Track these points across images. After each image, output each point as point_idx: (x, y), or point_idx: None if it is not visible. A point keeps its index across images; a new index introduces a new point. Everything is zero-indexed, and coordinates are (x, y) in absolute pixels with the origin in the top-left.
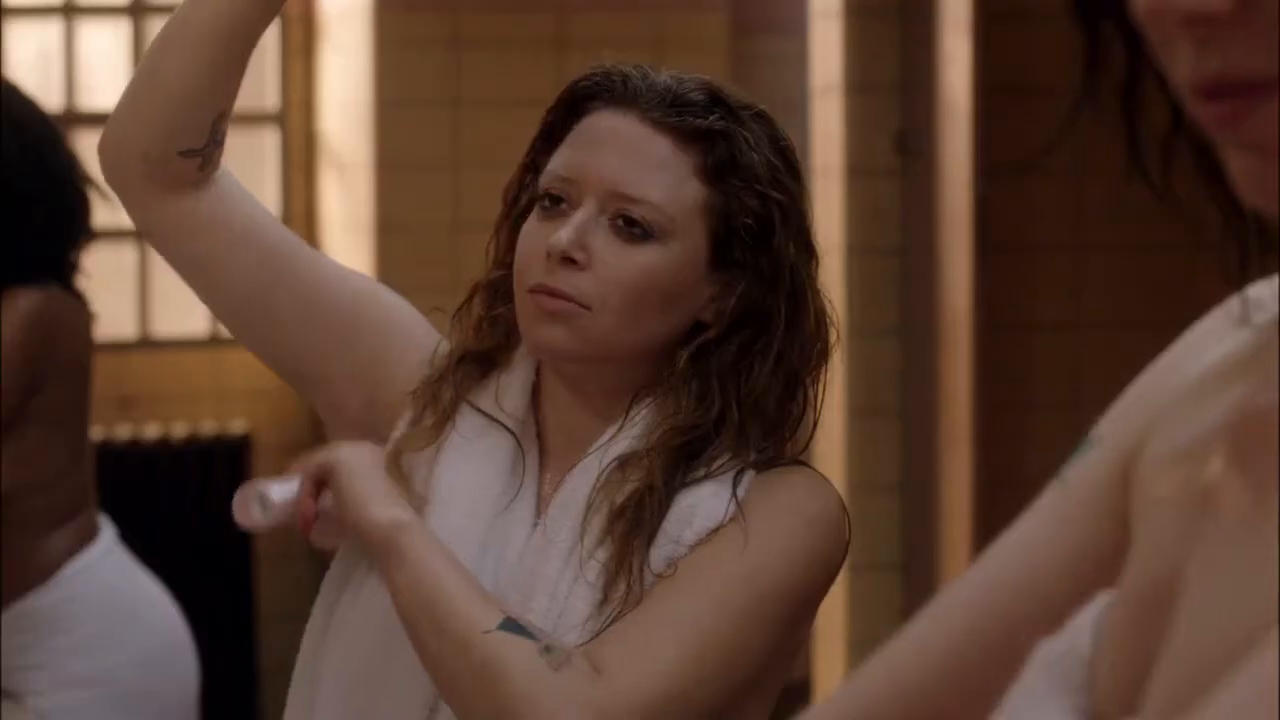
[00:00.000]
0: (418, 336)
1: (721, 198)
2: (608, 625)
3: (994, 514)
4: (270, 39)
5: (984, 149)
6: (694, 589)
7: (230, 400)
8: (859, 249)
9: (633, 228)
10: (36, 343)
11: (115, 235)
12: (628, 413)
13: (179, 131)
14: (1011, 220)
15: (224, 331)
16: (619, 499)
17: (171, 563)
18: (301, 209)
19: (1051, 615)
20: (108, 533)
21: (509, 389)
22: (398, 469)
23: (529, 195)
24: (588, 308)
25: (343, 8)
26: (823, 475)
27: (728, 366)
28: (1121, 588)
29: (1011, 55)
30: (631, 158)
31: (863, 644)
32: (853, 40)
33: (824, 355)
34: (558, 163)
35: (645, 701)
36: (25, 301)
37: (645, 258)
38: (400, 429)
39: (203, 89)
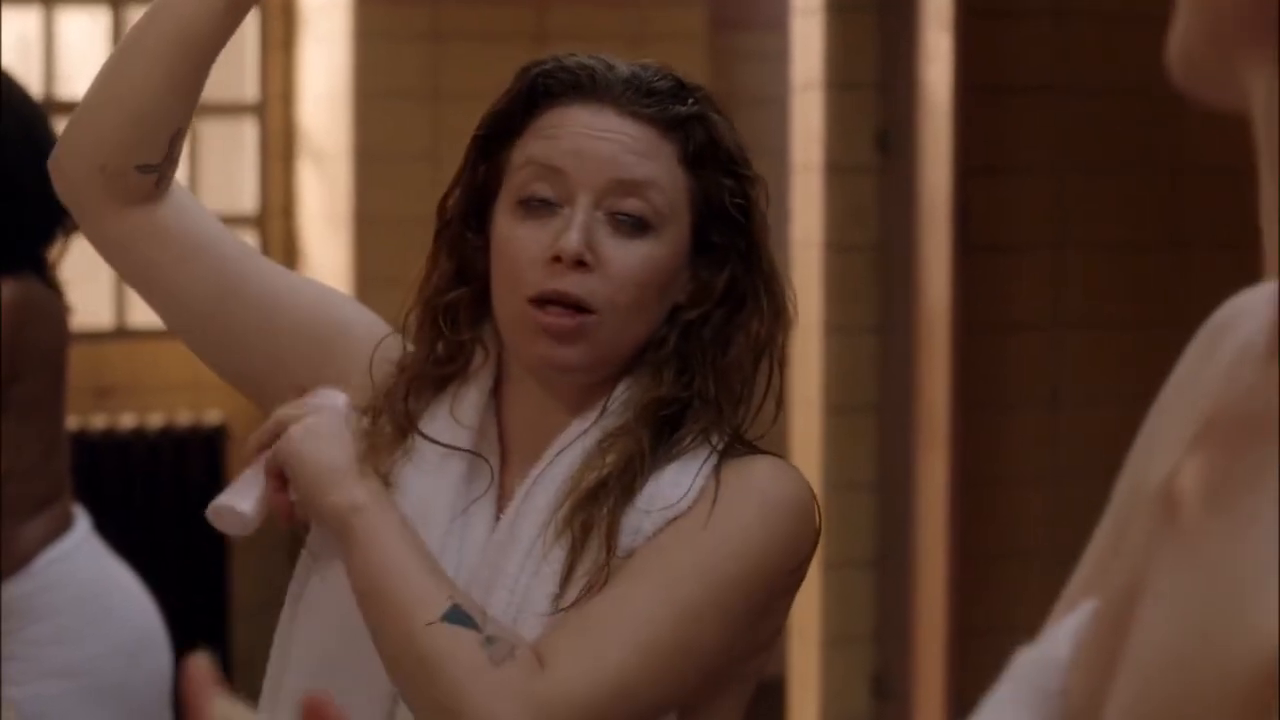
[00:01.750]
0: (377, 335)
1: (702, 183)
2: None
3: (970, 512)
4: (250, 30)
5: (964, 147)
6: (647, 581)
7: (206, 390)
8: (838, 246)
9: (631, 221)
10: (14, 332)
11: None
12: (605, 406)
13: (137, 146)
14: (991, 219)
15: None
16: (589, 483)
17: (146, 553)
18: (280, 201)
19: None
20: (83, 523)
21: (465, 400)
22: (372, 466)
23: (478, 197)
24: (596, 312)
25: (322, 0)
26: (790, 464)
27: (707, 343)
28: (1098, 595)
29: (992, 53)
30: (625, 147)
31: (837, 641)
32: (833, 37)
33: (786, 333)
34: (538, 155)
35: (588, 697)
36: (3, 291)
37: (646, 250)
38: (364, 424)
39: (161, 104)
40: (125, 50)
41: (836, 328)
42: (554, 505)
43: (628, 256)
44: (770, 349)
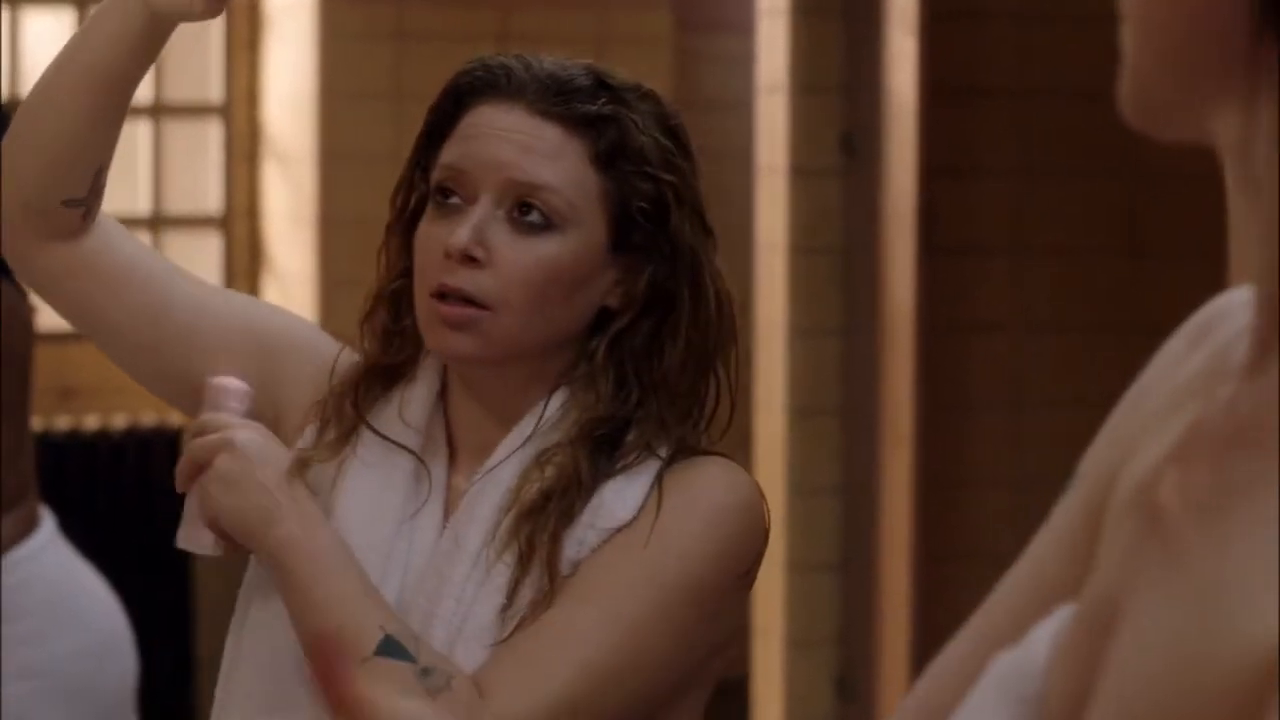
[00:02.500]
0: (319, 349)
1: (615, 183)
2: (509, 634)
3: (934, 515)
4: (215, 31)
5: (929, 149)
6: (589, 599)
7: None
8: (803, 248)
9: (531, 217)
10: None
11: None
12: (544, 411)
13: (60, 182)
14: (955, 221)
15: None
16: (530, 495)
17: (110, 554)
18: (244, 202)
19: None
20: (48, 524)
21: (412, 401)
22: (303, 480)
23: (419, 196)
24: (489, 309)
25: (287, 0)
26: (737, 465)
27: (640, 352)
28: (1077, 603)
29: (957, 56)
30: (525, 147)
31: (801, 643)
32: (798, 39)
33: (731, 338)
34: (449, 157)
35: None
36: None
37: (546, 249)
38: (307, 438)
39: (82, 140)
40: (44, 88)
41: (801, 330)
42: (496, 516)
43: (522, 255)
44: (714, 353)
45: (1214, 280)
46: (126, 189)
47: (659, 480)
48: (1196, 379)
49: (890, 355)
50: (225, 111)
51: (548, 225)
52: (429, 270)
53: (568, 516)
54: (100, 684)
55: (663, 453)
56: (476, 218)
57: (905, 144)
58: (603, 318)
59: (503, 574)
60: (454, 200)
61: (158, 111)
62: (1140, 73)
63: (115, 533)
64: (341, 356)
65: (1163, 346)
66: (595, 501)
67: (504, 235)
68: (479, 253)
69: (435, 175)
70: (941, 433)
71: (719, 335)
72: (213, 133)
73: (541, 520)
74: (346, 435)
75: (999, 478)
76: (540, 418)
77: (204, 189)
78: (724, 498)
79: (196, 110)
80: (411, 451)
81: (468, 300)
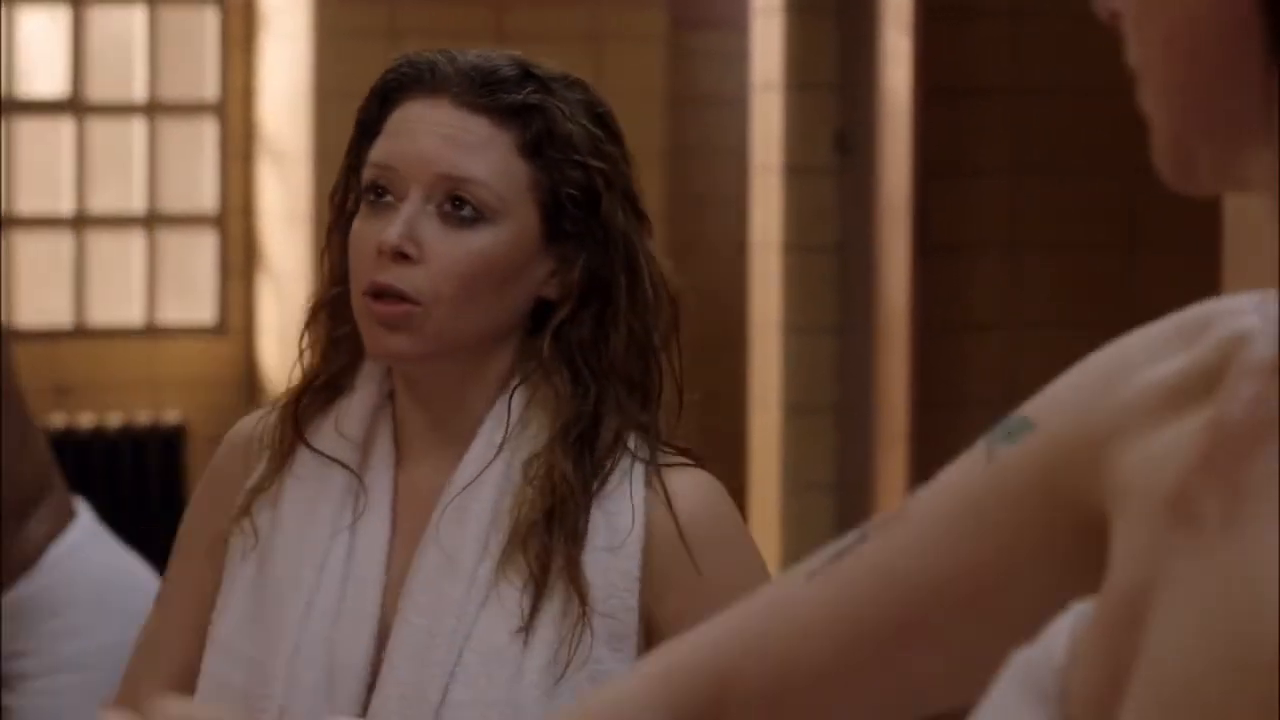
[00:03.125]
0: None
1: (544, 172)
2: (572, 649)
3: None
4: (210, 29)
5: (923, 148)
6: None
7: (165, 390)
8: (797, 246)
9: (462, 210)
10: None
11: (50, 223)
12: (510, 415)
13: None
14: (949, 219)
15: (159, 321)
16: (531, 515)
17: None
18: (239, 199)
19: (977, 601)
20: (85, 513)
21: (349, 412)
22: (249, 518)
23: (354, 197)
24: (420, 304)
25: None
26: (708, 474)
27: (586, 343)
28: (1098, 599)
29: (951, 54)
30: (452, 141)
31: None
32: (793, 37)
33: (674, 322)
34: (377, 155)
35: None
36: None
37: (478, 242)
38: (257, 472)
39: None
40: None
41: (795, 328)
42: (485, 531)
43: (453, 248)
44: (660, 339)
45: (1209, 276)
46: (122, 187)
47: (651, 494)
48: (1200, 378)
49: (885, 353)
50: (220, 110)
51: (478, 218)
52: (362, 269)
53: (575, 535)
54: None
55: (633, 444)
56: (407, 213)
57: (900, 142)
58: (541, 311)
59: (511, 595)
60: (386, 199)
61: (153, 109)
62: (1167, 135)
63: (112, 529)
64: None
65: (1140, 331)
66: (596, 520)
67: (435, 230)
68: (410, 249)
69: (365, 173)
70: (936, 431)
71: (659, 320)
72: (208, 131)
73: (549, 541)
74: (286, 455)
75: None
76: (508, 424)
77: (199, 187)
78: (736, 518)
79: (192, 108)
80: (343, 464)
81: (401, 296)
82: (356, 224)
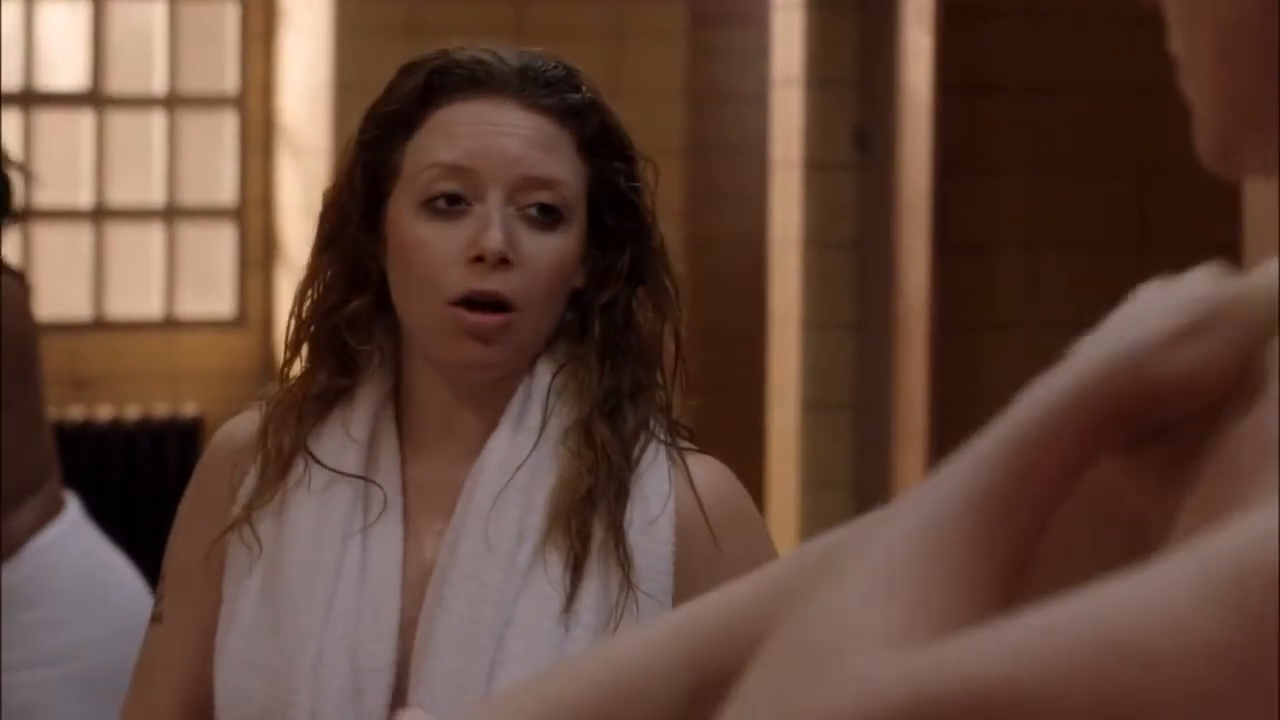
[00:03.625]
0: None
1: (598, 169)
2: (616, 626)
3: None
4: (230, 23)
5: (943, 145)
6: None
7: (183, 382)
8: (816, 242)
9: (544, 215)
10: None
11: (69, 216)
12: (544, 399)
13: None
14: (969, 217)
15: (178, 313)
16: (577, 493)
17: (123, 544)
18: (259, 193)
19: None
20: (73, 507)
21: (356, 413)
22: (250, 529)
23: (369, 198)
24: (517, 309)
25: None
26: (714, 460)
27: (620, 327)
28: None
29: (971, 52)
30: (530, 142)
31: None
32: (813, 33)
33: (681, 310)
34: (446, 156)
35: None
36: None
37: (559, 242)
38: (248, 485)
39: None
40: None
41: (814, 324)
42: (520, 516)
43: (544, 251)
44: (675, 325)
45: None
46: (141, 180)
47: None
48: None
49: (903, 350)
50: (240, 103)
51: (559, 219)
52: (444, 276)
53: (619, 507)
54: (125, 669)
55: (653, 425)
56: (498, 218)
57: (919, 139)
58: (575, 297)
59: (552, 577)
60: (454, 202)
61: (173, 103)
62: (1210, 123)
63: (127, 523)
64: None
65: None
66: (630, 502)
67: (523, 233)
68: (511, 254)
69: (424, 176)
70: (954, 428)
71: (673, 308)
72: (228, 124)
73: (590, 516)
74: (287, 465)
75: None
76: (545, 407)
77: (219, 180)
78: (755, 512)
79: (211, 102)
80: (350, 474)
81: (502, 302)
82: (416, 229)
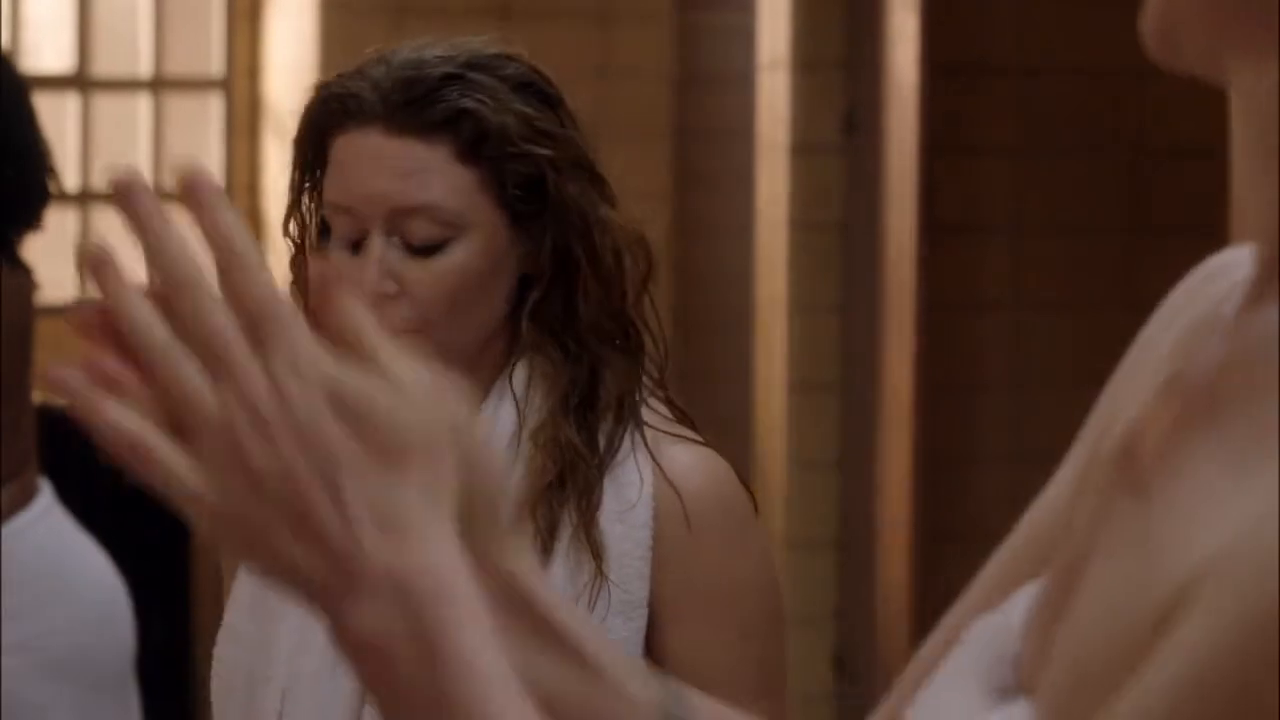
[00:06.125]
0: None
1: (489, 170)
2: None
3: (933, 492)
4: (216, 5)
5: (930, 127)
6: (729, 640)
7: None
8: (803, 224)
9: (425, 238)
10: None
11: (55, 199)
12: (511, 386)
13: None
14: (956, 199)
15: None
16: (535, 480)
17: (108, 527)
18: (245, 176)
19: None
20: (44, 495)
21: None
22: None
23: (315, 222)
24: (420, 330)
25: None
26: (714, 453)
27: (560, 315)
28: (1052, 565)
29: (959, 32)
30: (395, 172)
31: (798, 621)
32: (800, 15)
33: (641, 283)
34: (330, 194)
35: None
36: None
37: (450, 261)
38: None
39: None
40: None
41: (801, 306)
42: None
43: (429, 275)
44: (630, 302)
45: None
46: (127, 162)
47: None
48: (1186, 335)
49: (891, 332)
50: (226, 85)
51: (444, 240)
52: None
53: (587, 501)
54: (97, 656)
55: (635, 410)
56: (376, 254)
57: (906, 121)
58: (526, 284)
59: None
60: (348, 238)
61: (158, 85)
62: (1172, 4)
63: (113, 506)
64: None
65: (1162, 304)
66: (606, 489)
67: (408, 263)
68: (390, 288)
69: (325, 212)
70: (942, 410)
71: (624, 284)
72: (213, 106)
73: (557, 506)
74: None
75: (999, 455)
76: (515, 399)
77: (204, 162)
78: (745, 504)
79: (197, 84)
80: None
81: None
82: (335, 255)
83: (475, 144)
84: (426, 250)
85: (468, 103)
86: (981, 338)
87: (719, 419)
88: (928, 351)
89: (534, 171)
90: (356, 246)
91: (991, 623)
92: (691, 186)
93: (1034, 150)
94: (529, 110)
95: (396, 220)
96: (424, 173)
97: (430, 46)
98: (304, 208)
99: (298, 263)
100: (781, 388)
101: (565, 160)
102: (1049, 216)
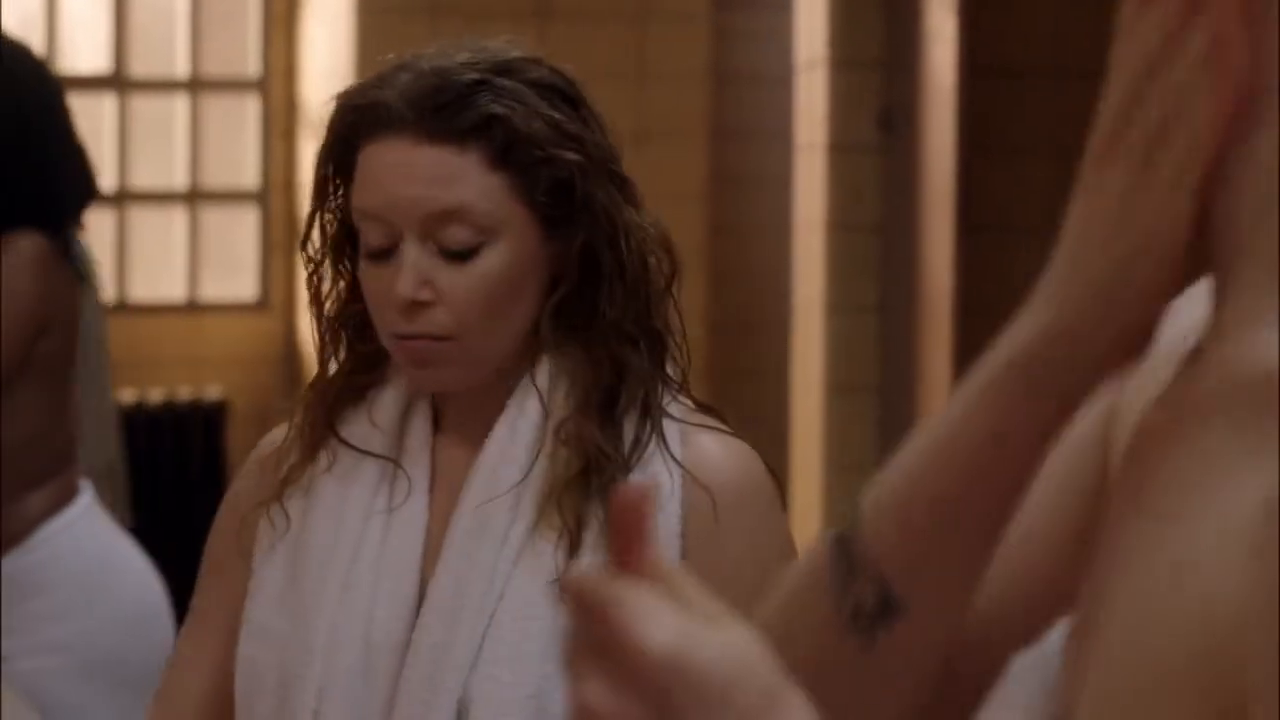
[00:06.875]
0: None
1: (519, 176)
2: None
3: None
4: (253, 6)
5: (967, 127)
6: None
7: (206, 366)
8: (841, 225)
9: (460, 244)
10: (39, 283)
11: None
12: (535, 381)
13: None
14: (993, 200)
15: (201, 297)
16: (569, 471)
17: (145, 528)
18: (281, 176)
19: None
20: (86, 494)
21: (381, 402)
22: (279, 506)
23: (340, 229)
24: (454, 338)
25: None
26: (735, 438)
27: (583, 316)
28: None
29: (997, 33)
30: (428, 179)
31: None
32: (838, 15)
33: (666, 286)
34: (360, 203)
35: None
36: (28, 245)
37: (484, 266)
38: (283, 470)
39: None
40: None
41: (838, 307)
42: (515, 495)
43: (465, 281)
44: (645, 308)
45: None
46: (164, 163)
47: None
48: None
49: (928, 333)
50: (263, 86)
51: (477, 245)
52: (385, 318)
53: (610, 484)
54: (132, 658)
55: (652, 405)
56: (411, 261)
57: (944, 121)
58: (553, 285)
59: (546, 551)
60: (381, 247)
61: (195, 86)
62: None
63: (150, 507)
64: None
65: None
66: (642, 477)
67: (442, 269)
68: (426, 295)
69: (359, 224)
70: None
71: (649, 287)
72: (250, 107)
73: (584, 499)
74: (316, 446)
75: None
76: (540, 394)
77: (242, 164)
78: (770, 490)
79: (234, 85)
80: (378, 455)
81: (432, 339)
82: (367, 270)
83: (506, 149)
84: (460, 256)
85: (498, 108)
86: None
87: (755, 420)
88: (965, 352)
89: (563, 175)
90: (383, 256)
91: (1033, 657)
92: (728, 187)
93: (1071, 150)
94: (556, 114)
95: (430, 226)
96: (457, 178)
97: (452, 52)
98: (325, 220)
99: (324, 262)
100: (818, 389)
101: (592, 163)
102: None
